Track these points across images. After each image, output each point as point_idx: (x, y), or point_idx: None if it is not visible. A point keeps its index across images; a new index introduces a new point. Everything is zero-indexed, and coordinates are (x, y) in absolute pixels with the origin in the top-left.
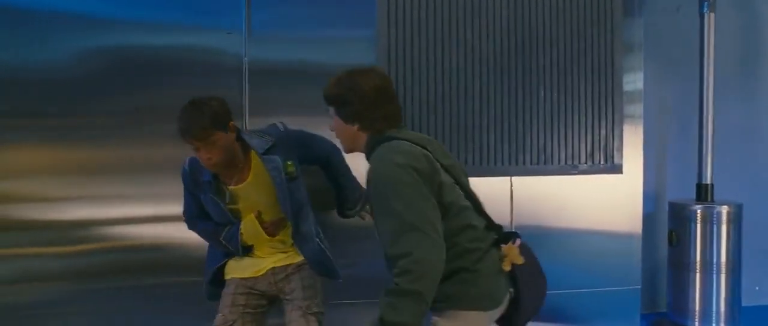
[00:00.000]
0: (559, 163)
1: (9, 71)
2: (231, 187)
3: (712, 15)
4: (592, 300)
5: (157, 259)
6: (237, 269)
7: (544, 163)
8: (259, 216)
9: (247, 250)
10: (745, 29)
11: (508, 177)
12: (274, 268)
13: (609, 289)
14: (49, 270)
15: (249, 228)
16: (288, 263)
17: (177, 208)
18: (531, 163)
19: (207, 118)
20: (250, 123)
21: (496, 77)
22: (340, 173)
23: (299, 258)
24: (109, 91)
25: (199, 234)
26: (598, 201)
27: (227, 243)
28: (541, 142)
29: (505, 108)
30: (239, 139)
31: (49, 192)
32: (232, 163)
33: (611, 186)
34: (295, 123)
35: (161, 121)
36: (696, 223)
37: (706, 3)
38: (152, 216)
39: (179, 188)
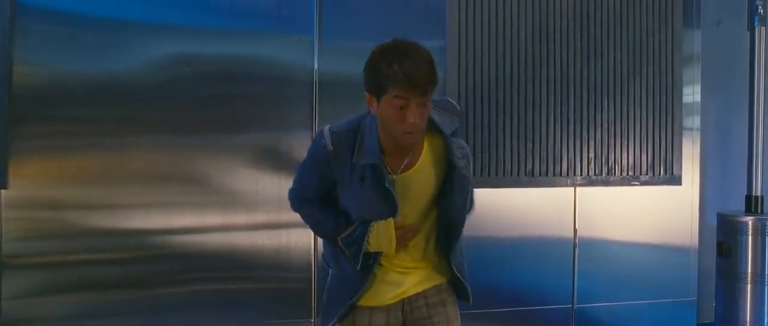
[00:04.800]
0: (621, 174)
1: (79, 79)
2: (393, 175)
3: (763, 28)
4: (650, 311)
5: (222, 267)
6: (372, 295)
7: (607, 173)
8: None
9: (366, 263)
10: None
11: (573, 187)
12: (416, 293)
13: (666, 301)
14: (111, 277)
15: (381, 234)
16: (430, 285)
17: (245, 217)
18: (594, 174)
19: (436, 69)
20: None
21: (561, 88)
22: None
23: (439, 280)
24: (178, 99)
25: (315, 223)
26: (657, 212)
27: (346, 248)
28: (605, 152)
29: (570, 119)
30: None
31: (116, 199)
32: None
33: (669, 197)
34: None
35: (230, 130)
36: (747, 235)
37: (756, 17)
38: (220, 225)
39: (249, 197)
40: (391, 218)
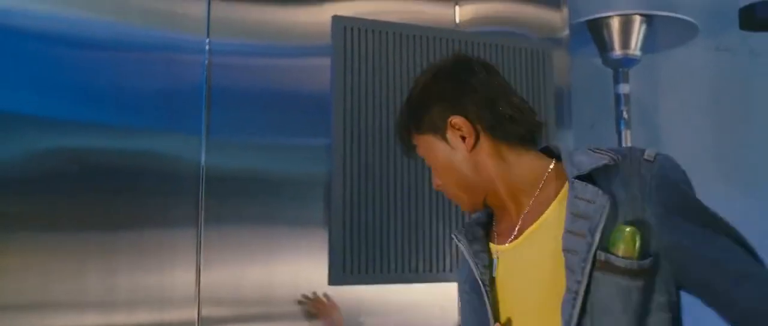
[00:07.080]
0: None
1: None
2: (496, 245)
3: (628, 131)
4: None
5: None
6: None
7: None
8: None
9: None
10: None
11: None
12: None
13: None
14: None
15: None
16: None
17: (125, 317)
18: None
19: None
20: (205, 233)
21: None
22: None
23: None
24: (59, 193)
25: None
26: None
27: None
28: None
29: (454, 215)
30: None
31: None
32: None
33: None
34: (254, 237)
35: (111, 227)
36: None
37: (622, 121)
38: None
39: (130, 296)
40: None
